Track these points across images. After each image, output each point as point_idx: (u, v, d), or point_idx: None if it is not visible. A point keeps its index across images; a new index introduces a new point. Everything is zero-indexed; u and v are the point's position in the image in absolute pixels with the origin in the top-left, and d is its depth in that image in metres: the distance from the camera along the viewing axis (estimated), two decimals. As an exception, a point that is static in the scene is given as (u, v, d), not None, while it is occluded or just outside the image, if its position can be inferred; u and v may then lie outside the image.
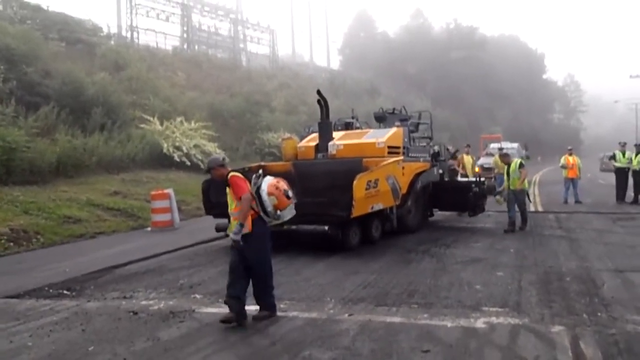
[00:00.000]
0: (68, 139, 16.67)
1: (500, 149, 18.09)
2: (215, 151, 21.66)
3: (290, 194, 5.70)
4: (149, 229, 12.81)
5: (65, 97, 18.67)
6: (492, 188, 13.70)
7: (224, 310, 6.10)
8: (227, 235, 10.32)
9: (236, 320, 5.52)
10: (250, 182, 5.66)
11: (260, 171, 5.88)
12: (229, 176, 5.65)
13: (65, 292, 7.23)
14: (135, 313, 6.05)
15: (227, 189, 5.74)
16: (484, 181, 12.56)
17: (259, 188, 5.57)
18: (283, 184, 5.68)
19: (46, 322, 5.74)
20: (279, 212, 5.57)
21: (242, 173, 5.89)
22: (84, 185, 15.61)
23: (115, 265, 8.75)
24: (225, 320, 5.50)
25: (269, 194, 5.52)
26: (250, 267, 5.69)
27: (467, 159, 16.37)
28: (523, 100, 69.04)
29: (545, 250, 9.28)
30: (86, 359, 4.68)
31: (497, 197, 11.95)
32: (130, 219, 13.76)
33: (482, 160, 20.19)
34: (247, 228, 5.53)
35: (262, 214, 5.58)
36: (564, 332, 5.15)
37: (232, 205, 5.69)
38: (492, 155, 20.08)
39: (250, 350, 4.83)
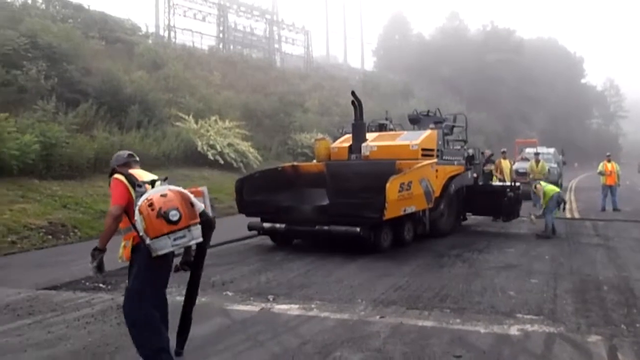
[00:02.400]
0: (105, 136, 17.00)
1: (537, 153, 17.76)
2: (249, 150, 21.85)
3: (177, 217, 3.80)
4: (182, 225, 12.95)
5: (104, 95, 19.06)
6: (527, 193, 13.45)
7: (256, 308, 6.18)
8: (259, 233, 10.47)
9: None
10: (132, 189, 4.08)
11: (165, 177, 4.35)
12: (111, 178, 4.25)
13: (101, 285, 7.37)
14: None
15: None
16: (519, 186, 12.36)
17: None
18: (167, 201, 3.81)
19: (82, 315, 5.87)
20: (148, 240, 3.78)
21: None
22: (120, 182, 15.90)
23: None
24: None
25: (140, 211, 3.78)
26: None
27: (505, 164, 16.13)
28: (560, 104, 67.65)
29: (581, 258, 9.07)
30: (120, 352, 4.75)
31: (532, 217, 11.79)
32: (164, 216, 13.94)
33: (517, 165, 19.84)
34: (124, 252, 4.15)
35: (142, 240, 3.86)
36: (601, 342, 5.03)
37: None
38: (527, 160, 19.73)
39: (280, 349, 4.84)
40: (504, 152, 16.63)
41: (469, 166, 12.04)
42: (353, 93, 11.33)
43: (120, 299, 6.47)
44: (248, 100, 27.18)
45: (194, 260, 4.48)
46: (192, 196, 4.09)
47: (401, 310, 6.11)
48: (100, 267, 4.22)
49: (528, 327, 5.47)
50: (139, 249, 3.99)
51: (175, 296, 5.68)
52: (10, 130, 13.53)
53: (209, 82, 27.39)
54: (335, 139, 12.47)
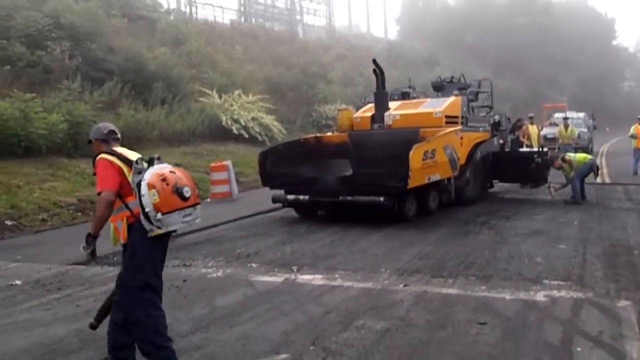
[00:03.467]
0: (131, 113, 17.15)
1: (565, 118, 17.33)
2: (273, 124, 21.82)
3: (189, 194, 3.70)
4: (208, 200, 13.09)
5: (128, 72, 19.16)
6: (556, 159, 13.16)
7: (280, 278, 6.22)
8: (283, 205, 10.51)
9: None
10: (128, 167, 3.76)
11: (158, 155, 3.90)
12: (96, 159, 3.87)
13: (128, 259, 7.50)
14: (185, 280, 6.22)
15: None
16: (547, 151, 12.08)
17: (142, 179, 3.63)
18: (178, 177, 3.71)
19: (110, 288, 5.92)
20: (159, 215, 3.58)
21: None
22: (146, 158, 16.08)
23: (176, 235, 8.97)
24: None
25: (150, 186, 3.58)
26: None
27: (532, 129, 15.76)
28: (591, 67, 65.57)
29: (612, 223, 8.89)
30: (147, 322, 4.83)
31: (552, 189, 11.49)
32: (191, 191, 14.08)
33: (545, 131, 19.39)
34: (122, 237, 3.85)
35: (142, 217, 3.62)
36: (630, 307, 4.93)
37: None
38: (555, 125, 19.28)
39: (304, 317, 4.87)
40: (531, 118, 16.26)
41: (495, 132, 11.80)
42: (374, 61, 11.16)
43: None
44: (271, 74, 27.04)
45: None
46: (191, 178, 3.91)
47: (425, 278, 6.08)
48: (93, 253, 4.06)
49: (555, 293, 5.40)
50: (133, 228, 3.72)
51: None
52: (37, 111, 13.72)
53: (231, 57, 27.29)
54: (358, 109, 12.33)
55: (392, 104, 11.34)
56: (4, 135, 12.79)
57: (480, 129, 11.37)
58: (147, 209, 3.56)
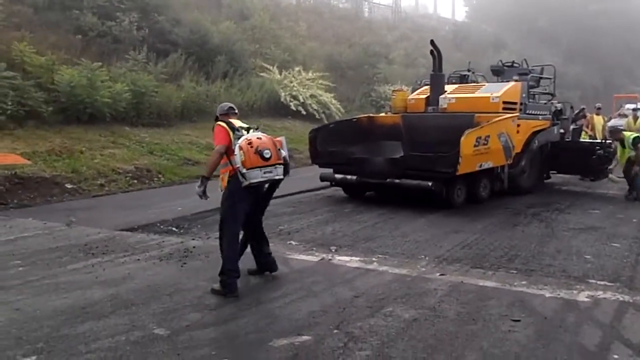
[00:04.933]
0: (192, 85, 17.48)
1: (635, 109, 16.33)
2: (331, 102, 21.74)
3: (269, 155, 4.83)
4: (261, 174, 13.22)
5: (192, 45, 19.49)
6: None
7: (316, 258, 6.23)
8: (331, 184, 10.49)
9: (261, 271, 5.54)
10: (233, 133, 4.98)
11: (257, 126, 5.28)
12: (215, 125, 5.13)
13: (173, 229, 7.71)
14: (210, 251, 6.31)
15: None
16: (610, 143, 11.45)
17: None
18: (262, 141, 4.87)
19: (151, 256, 6.16)
20: (244, 170, 4.76)
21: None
22: (205, 130, 16.36)
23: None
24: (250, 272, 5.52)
25: (240, 148, 4.78)
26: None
27: (598, 120, 14.99)
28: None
29: (676, 224, 8.37)
30: (178, 292, 4.95)
31: (611, 176, 10.87)
32: (244, 165, 14.29)
33: (613, 122, 18.33)
34: (222, 183, 5.11)
35: (238, 171, 4.86)
36: (679, 315, 4.63)
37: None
38: (625, 116, 18.21)
39: (333, 300, 4.84)
40: (598, 108, 15.43)
41: (555, 121, 11.27)
42: (432, 42, 10.85)
43: (189, 242, 6.78)
44: (332, 51, 26.85)
45: (266, 192, 5.42)
46: (281, 143, 5.22)
47: (464, 268, 5.93)
48: (204, 192, 5.14)
49: (600, 294, 5.13)
50: (233, 179, 4.97)
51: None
52: (103, 79, 14.21)
53: (294, 33, 27.23)
54: (414, 90, 12.07)
55: (449, 87, 11.02)
56: (71, 102, 13.35)
57: (540, 116, 10.88)
58: (236, 165, 4.82)
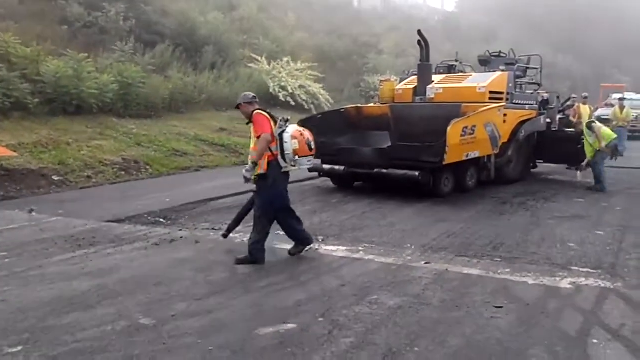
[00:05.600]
0: (180, 76, 17.45)
1: (621, 99, 16.47)
2: (320, 92, 21.74)
3: (313, 146, 5.69)
4: (248, 165, 13.23)
5: (179, 36, 19.43)
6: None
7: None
8: (319, 175, 10.51)
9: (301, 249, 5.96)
10: (276, 124, 5.56)
11: (289, 117, 5.73)
12: (253, 113, 5.55)
13: (161, 220, 7.71)
14: (197, 241, 6.41)
15: (251, 126, 5.68)
16: (596, 133, 11.51)
17: (283, 131, 5.51)
18: (308, 135, 5.68)
19: (138, 247, 6.17)
20: (297, 157, 5.50)
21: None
22: (193, 121, 16.37)
23: (211, 198, 9.17)
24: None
25: (293, 137, 5.48)
26: (251, 205, 5.92)
27: (584, 110, 15.04)
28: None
29: (657, 211, 8.48)
30: (165, 283, 4.97)
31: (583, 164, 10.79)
32: (233, 155, 14.33)
33: (600, 111, 18.51)
34: (263, 168, 5.47)
35: (279, 157, 5.49)
36: (659, 301, 4.71)
37: (252, 143, 5.66)
38: (612, 106, 18.34)
39: (319, 289, 4.88)
40: (585, 97, 15.52)
41: (542, 111, 11.35)
42: (419, 32, 10.85)
43: (176, 233, 6.80)
44: (322, 42, 26.85)
45: None
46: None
47: (449, 257, 5.99)
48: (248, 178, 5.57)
49: (582, 281, 5.20)
50: (272, 165, 5.47)
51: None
52: (89, 70, 14.14)
53: (283, 24, 27.19)
54: (401, 80, 12.09)
55: (436, 77, 11.07)
56: (58, 94, 13.29)
57: (527, 106, 10.94)
58: (287, 152, 5.44)
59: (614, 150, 10.53)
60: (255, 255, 5.55)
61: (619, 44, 54.48)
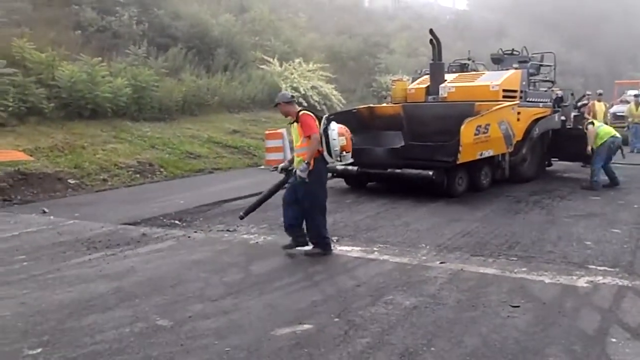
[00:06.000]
0: (193, 79, 17.50)
1: (637, 95, 16.29)
2: (332, 93, 21.73)
3: (354, 141, 6.29)
4: (262, 167, 13.29)
5: (192, 39, 19.50)
6: (624, 138, 12.43)
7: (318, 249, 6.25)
8: (333, 175, 10.51)
9: (295, 246, 6.08)
10: (320, 122, 5.83)
11: (332, 116, 6.23)
12: (300, 114, 5.84)
13: (176, 222, 7.76)
14: (212, 243, 6.37)
15: (294, 126, 5.97)
16: (611, 129, 11.41)
17: (327, 128, 5.78)
18: (350, 133, 6.09)
19: (154, 249, 6.22)
20: (344, 153, 5.84)
21: (330, 116, 6.17)
22: (206, 123, 16.44)
23: (225, 200, 9.21)
24: (285, 247, 6.13)
25: (340, 134, 5.80)
26: (301, 201, 5.93)
27: (599, 107, 14.94)
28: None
29: (676, 209, 8.38)
30: (181, 284, 5.00)
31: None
32: (246, 157, 14.38)
33: (615, 108, 18.30)
34: (312, 166, 5.74)
35: (325, 154, 5.80)
36: (678, 299, 4.66)
37: (297, 142, 5.95)
38: (627, 102, 18.15)
39: (333, 289, 4.89)
40: (600, 94, 15.39)
41: (556, 108, 11.26)
42: (431, 31, 10.82)
43: (192, 235, 6.84)
44: (333, 42, 26.82)
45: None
46: None
47: (465, 256, 5.97)
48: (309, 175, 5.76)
49: (599, 279, 5.16)
50: (318, 160, 5.79)
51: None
52: (103, 75, 14.24)
53: (294, 25, 27.20)
54: (414, 80, 12.06)
55: (449, 76, 11.03)
56: (73, 98, 13.39)
57: (541, 104, 10.88)
58: (335, 149, 5.74)
59: (615, 148, 10.36)
60: (323, 247, 5.95)
61: (633, 38, 53.82)
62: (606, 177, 10.28)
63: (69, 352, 3.70)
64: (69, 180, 10.36)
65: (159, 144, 13.47)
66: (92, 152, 11.81)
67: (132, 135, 13.61)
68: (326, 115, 6.07)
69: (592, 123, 10.54)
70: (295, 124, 5.90)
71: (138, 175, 11.46)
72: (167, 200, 9.17)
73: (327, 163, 5.94)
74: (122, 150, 12.40)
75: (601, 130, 10.26)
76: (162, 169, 12.14)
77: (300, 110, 5.91)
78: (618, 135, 10.40)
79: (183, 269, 5.48)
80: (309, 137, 5.71)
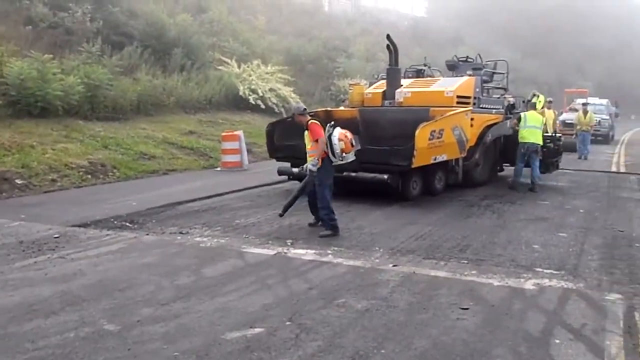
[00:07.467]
0: (149, 79, 17.18)
1: (585, 104, 16.89)
2: (290, 96, 21.70)
3: (354, 142, 7.24)
4: (218, 168, 13.16)
5: (148, 38, 19.12)
6: (572, 145, 12.85)
7: (272, 251, 6.24)
8: (301, 169, 10.48)
9: (317, 221, 7.40)
10: (324, 129, 6.99)
11: (333, 122, 7.19)
12: (309, 123, 7.06)
13: (127, 224, 7.59)
14: (164, 246, 6.27)
15: (306, 133, 7.15)
16: (560, 137, 11.82)
17: (331, 134, 6.95)
18: (350, 135, 7.09)
19: (103, 252, 6.07)
20: (344, 154, 6.97)
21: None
22: (162, 124, 16.15)
23: (179, 202, 9.07)
24: (310, 224, 7.51)
25: (339, 139, 6.94)
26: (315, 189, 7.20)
27: (549, 114, 15.39)
28: (621, 55, 63.40)
29: (618, 213, 8.72)
30: (130, 288, 4.90)
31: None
32: (202, 159, 14.19)
33: (565, 116, 18.93)
34: (319, 164, 6.99)
35: (330, 155, 6.96)
36: (619, 301, 4.85)
37: (309, 145, 7.16)
38: (575, 110, 18.81)
39: (286, 292, 4.88)
40: (549, 102, 15.88)
41: (508, 115, 11.55)
42: (388, 37, 10.94)
43: (144, 237, 6.70)
44: (292, 45, 26.79)
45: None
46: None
47: (417, 259, 6.05)
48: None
49: (545, 282, 5.32)
50: (325, 160, 7.00)
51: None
52: (54, 72, 13.82)
53: (253, 27, 27.07)
54: (371, 84, 12.17)
55: (405, 82, 11.17)
56: (22, 95, 12.93)
57: (493, 110, 11.14)
58: (336, 151, 6.91)
59: (522, 154, 10.91)
60: (333, 227, 7.04)
61: (580, 49, 55.85)
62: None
63: (9, 359, 3.57)
64: (16, 181, 9.98)
65: (112, 144, 13.15)
66: (42, 151, 11.42)
67: (84, 135, 13.24)
68: (330, 124, 7.13)
69: (519, 119, 10.91)
70: (306, 131, 7.10)
71: (89, 176, 11.16)
72: (118, 201, 8.96)
73: (332, 162, 7.03)
74: (73, 150, 12.04)
75: (522, 130, 10.78)
76: (114, 170, 11.84)
77: (309, 120, 7.12)
78: (532, 141, 10.72)
79: (133, 272, 5.37)
80: (316, 140, 6.93)
